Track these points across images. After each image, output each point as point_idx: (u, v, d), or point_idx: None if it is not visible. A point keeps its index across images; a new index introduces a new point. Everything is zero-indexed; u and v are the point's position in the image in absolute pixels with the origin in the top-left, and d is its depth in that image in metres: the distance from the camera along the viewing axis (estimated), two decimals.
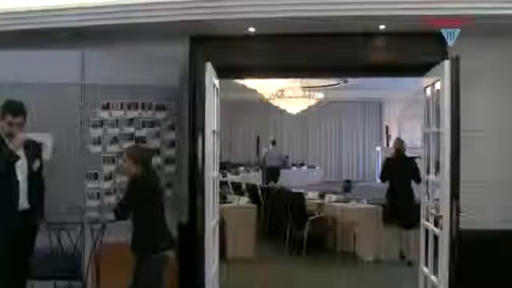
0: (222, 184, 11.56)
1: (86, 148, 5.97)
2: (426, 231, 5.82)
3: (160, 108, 6.28)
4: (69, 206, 5.64)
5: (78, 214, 5.73)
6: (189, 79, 6.35)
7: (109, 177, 6.02)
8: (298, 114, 19.12)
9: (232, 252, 8.99)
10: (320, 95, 17.84)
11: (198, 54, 6.32)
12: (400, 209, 8.79)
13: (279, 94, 17.15)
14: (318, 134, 24.40)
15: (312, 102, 18.22)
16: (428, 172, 5.92)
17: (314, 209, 10.10)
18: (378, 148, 21.87)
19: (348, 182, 16.99)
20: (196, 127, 5.89)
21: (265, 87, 16.07)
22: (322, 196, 10.61)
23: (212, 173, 5.62)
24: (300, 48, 6.39)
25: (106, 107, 6.05)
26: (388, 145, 21.22)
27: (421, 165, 6.83)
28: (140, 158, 5.05)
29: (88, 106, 5.96)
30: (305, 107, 18.49)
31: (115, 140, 6.06)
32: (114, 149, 6.04)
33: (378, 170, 19.24)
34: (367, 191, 13.63)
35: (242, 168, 18.93)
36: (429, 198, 5.90)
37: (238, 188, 12.28)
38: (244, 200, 10.27)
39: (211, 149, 5.58)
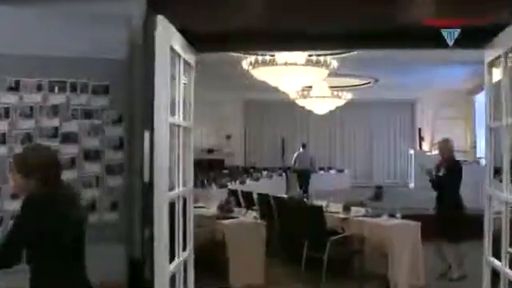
0: (232, 193, 9.85)
1: None
2: (494, 273, 3.90)
3: (100, 91, 4.05)
4: None
5: None
6: (144, 49, 3.97)
7: None
8: (325, 114, 17.79)
9: (236, 279, 7.34)
10: (349, 95, 16.56)
11: (159, 11, 3.96)
12: (449, 220, 7.49)
13: (305, 93, 15.80)
14: (346, 136, 22.85)
15: (340, 103, 16.90)
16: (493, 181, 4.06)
17: (337, 225, 8.13)
18: (411, 151, 20.06)
19: (379, 188, 15.19)
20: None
21: (289, 85, 14.01)
22: (347, 209, 8.56)
23: (167, 191, 3.37)
24: (307, 5, 4.02)
25: (15, 88, 3.89)
26: (421, 148, 20.32)
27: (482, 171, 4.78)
28: (37, 165, 3.06)
29: None
30: (333, 108, 17.20)
31: (28, 137, 3.89)
32: None
33: (411, 173, 18.83)
34: (400, 199, 12.92)
35: (266, 173, 17.24)
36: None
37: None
38: (251, 215, 8.44)
39: (165, 153, 3.36)
